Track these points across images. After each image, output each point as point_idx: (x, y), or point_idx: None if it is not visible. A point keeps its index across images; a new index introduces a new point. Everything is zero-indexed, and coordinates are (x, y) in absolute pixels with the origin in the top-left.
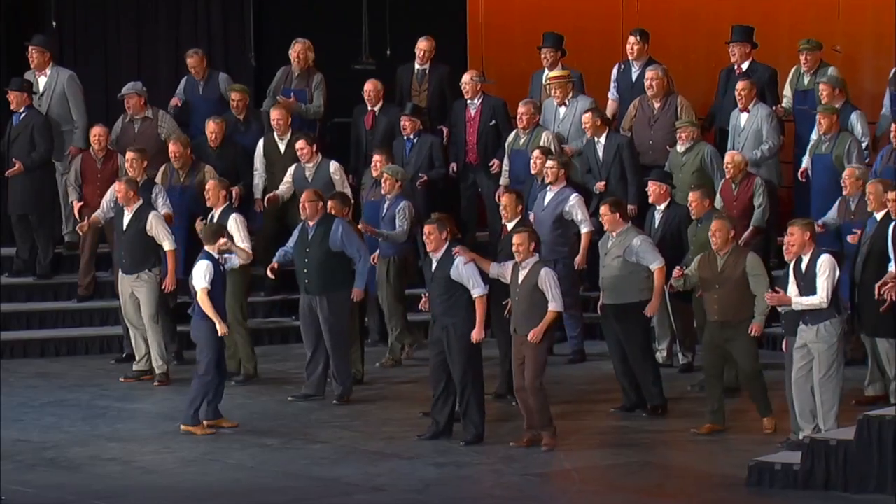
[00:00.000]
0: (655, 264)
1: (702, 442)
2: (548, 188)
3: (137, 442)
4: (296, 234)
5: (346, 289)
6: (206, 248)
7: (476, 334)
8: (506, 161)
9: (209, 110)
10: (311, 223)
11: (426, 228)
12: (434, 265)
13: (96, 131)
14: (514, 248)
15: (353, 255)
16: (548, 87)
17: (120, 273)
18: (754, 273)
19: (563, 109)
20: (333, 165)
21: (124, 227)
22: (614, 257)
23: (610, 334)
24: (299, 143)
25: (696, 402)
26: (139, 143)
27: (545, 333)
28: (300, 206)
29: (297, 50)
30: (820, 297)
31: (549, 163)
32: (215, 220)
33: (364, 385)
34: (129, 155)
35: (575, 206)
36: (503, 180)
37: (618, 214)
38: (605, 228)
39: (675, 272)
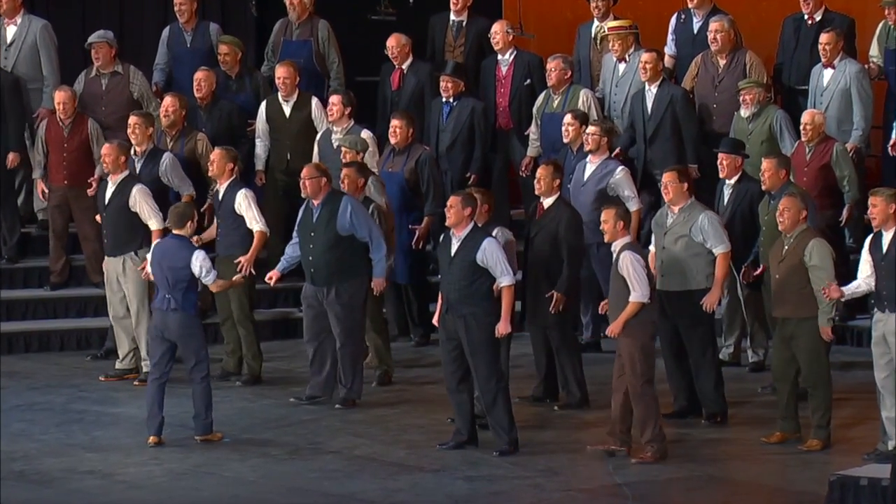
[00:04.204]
0: (720, 248)
1: (774, 453)
2: (587, 160)
3: (120, 452)
4: (300, 215)
5: (358, 276)
6: (176, 232)
7: (502, 327)
8: (533, 128)
9: (197, 65)
10: (315, 203)
11: (449, 201)
12: (455, 246)
13: (60, 97)
14: (601, 227)
15: (364, 238)
16: (600, 39)
17: (105, 258)
18: (812, 263)
19: (622, 66)
20: (365, 134)
21: (106, 202)
22: (677, 237)
23: (665, 327)
24: (334, 99)
25: (767, 406)
26: (107, 101)
27: (624, 326)
28: (300, 183)
29: None
30: None
31: (591, 129)
32: (220, 195)
33: (384, 386)
34: (132, 120)
35: (621, 180)
36: (532, 150)
37: (685, 185)
38: (667, 200)
39: (746, 270)
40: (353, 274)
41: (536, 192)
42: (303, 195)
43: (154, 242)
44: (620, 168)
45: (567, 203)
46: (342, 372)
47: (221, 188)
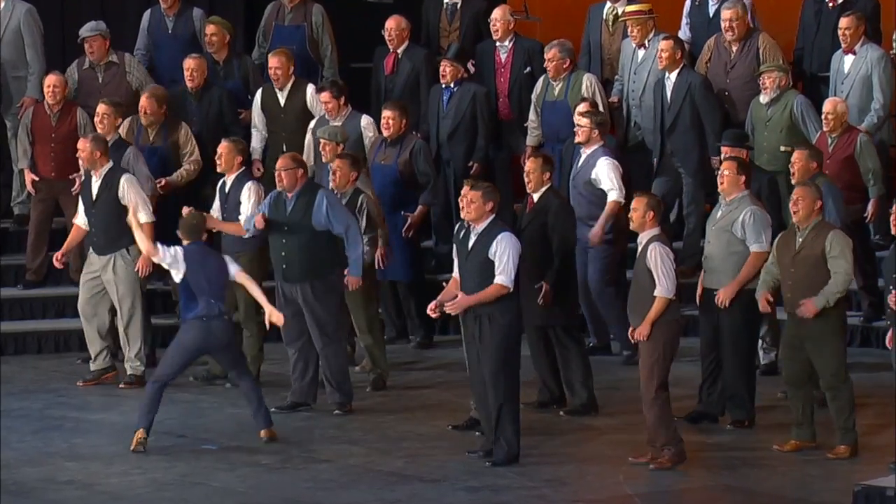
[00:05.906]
0: (755, 246)
1: (795, 461)
2: (580, 150)
3: (101, 461)
4: (266, 205)
5: (334, 273)
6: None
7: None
8: (532, 116)
9: (180, 52)
10: (289, 194)
11: (470, 196)
12: (472, 241)
13: (51, 80)
14: (630, 215)
15: (340, 233)
16: (612, 22)
17: (91, 254)
18: (833, 254)
19: (641, 52)
20: (365, 120)
21: (93, 197)
22: (721, 231)
23: (707, 327)
24: (324, 97)
25: (787, 411)
26: (106, 94)
27: (653, 326)
28: (276, 175)
29: None
30: None
31: (583, 120)
32: (227, 189)
33: (378, 390)
34: (101, 108)
35: (600, 170)
36: (532, 139)
37: (743, 178)
38: (720, 189)
39: None
40: (328, 270)
41: (527, 188)
42: (278, 187)
43: (180, 251)
44: (603, 158)
45: (557, 193)
46: (329, 376)
47: (229, 180)
